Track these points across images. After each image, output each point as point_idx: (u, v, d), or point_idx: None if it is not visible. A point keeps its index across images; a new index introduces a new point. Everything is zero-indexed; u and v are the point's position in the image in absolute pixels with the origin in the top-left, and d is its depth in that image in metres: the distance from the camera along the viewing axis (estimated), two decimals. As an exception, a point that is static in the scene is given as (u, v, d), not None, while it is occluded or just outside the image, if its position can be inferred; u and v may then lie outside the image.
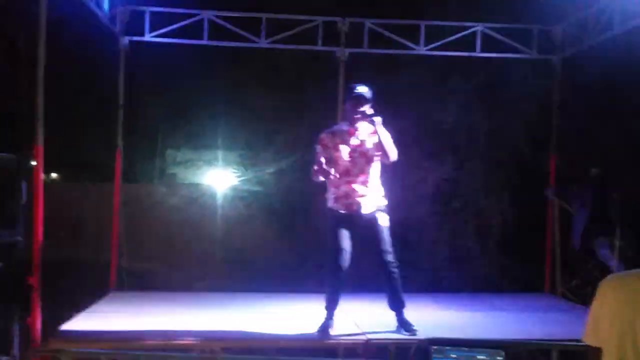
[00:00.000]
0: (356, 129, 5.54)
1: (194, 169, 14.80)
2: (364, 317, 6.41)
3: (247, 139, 11.69)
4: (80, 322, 5.98)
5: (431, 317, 6.54)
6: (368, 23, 8.31)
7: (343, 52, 8.26)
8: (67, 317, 6.07)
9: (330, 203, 5.66)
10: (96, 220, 9.55)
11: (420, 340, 5.33)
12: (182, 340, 5.45)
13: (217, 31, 8.20)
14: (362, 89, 5.52)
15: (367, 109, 5.44)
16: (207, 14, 8.13)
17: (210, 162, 14.43)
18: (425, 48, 8.36)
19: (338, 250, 5.55)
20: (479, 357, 4.11)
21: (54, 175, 12.76)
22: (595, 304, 2.32)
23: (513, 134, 9.91)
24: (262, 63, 10.10)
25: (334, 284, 5.70)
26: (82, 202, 10.13)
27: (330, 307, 5.73)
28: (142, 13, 8.07)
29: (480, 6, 8.95)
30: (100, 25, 7.52)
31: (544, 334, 5.77)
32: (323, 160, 5.41)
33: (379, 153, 5.49)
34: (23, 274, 5.60)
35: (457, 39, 8.38)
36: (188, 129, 13.56)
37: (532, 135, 9.72)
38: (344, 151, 5.50)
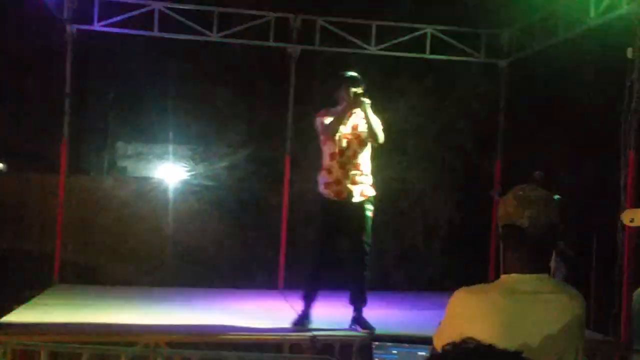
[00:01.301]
0: (351, 114, 5.58)
1: (144, 162, 14.61)
2: (313, 313, 6.45)
3: (199, 133, 11.60)
4: (21, 315, 5.88)
5: (378, 315, 6.61)
6: (320, 21, 8.35)
7: (294, 49, 8.28)
8: (9, 309, 5.95)
9: (321, 189, 5.66)
10: (40, 212, 9.36)
11: (362, 337, 5.39)
12: (126, 334, 5.41)
13: (168, 23, 8.13)
14: (353, 73, 5.57)
15: (359, 90, 5.48)
16: (157, 5, 8.04)
17: (161, 156, 14.28)
18: (376, 48, 8.44)
19: (323, 240, 5.61)
20: (419, 353, 4.17)
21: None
22: (446, 312, 2.29)
23: (461, 135, 10.10)
24: (214, 57, 10.05)
25: (314, 274, 5.72)
26: (26, 193, 9.90)
27: (308, 297, 5.72)
28: (91, 1, 7.93)
29: (430, 9, 9.08)
30: (47, 12, 7.38)
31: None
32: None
33: (370, 138, 5.54)
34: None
35: (407, 40, 8.49)
36: (139, 121, 13.38)
37: (479, 137, 9.91)
38: (339, 135, 5.53)
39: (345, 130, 5.58)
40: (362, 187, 5.61)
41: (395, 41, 8.44)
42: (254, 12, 8.31)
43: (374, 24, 8.38)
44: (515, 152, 9.02)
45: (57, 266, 7.72)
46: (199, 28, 8.14)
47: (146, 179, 12.49)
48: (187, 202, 11.05)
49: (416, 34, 8.48)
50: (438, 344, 2.29)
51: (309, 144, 9.83)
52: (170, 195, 11.38)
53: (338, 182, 5.57)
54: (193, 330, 5.73)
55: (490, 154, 8.94)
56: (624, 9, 6.22)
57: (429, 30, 8.47)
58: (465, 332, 2.11)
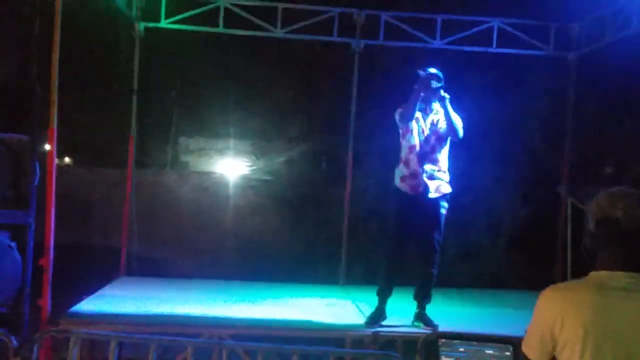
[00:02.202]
0: (431, 109, 5.54)
1: (206, 157, 14.82)
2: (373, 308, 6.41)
3: (260, 128, 11.68)
4: (89, 305, 6.02)
5: (440, 312, 6.53)
6: (384, 15, 8.27)
7: (359, 44, 8.23)
8: (77, 300, 6.11)
9: (397, 182, 5.62)
10: (107, 205, 9.59)
11: (428, 334, 5.32)
12: (191, 325, 5.49)
13: (233, 19, 8.19)
14: (434, 70, 5.52)
15: (435, 86, 5.43)
16: (223, 2, 8.12)
17: (222, 151, 14.45)
18: (441, 42, 8.32)
19: (398, 235, 5.56)
20: (487, 351, 4.08)
21: (66, 159, 12.81)
22: (534, 313, 2.30)
23: (527, 130, 9.85)
24: (277, 53, 10.08)
25: (389, 268, 5.68)
26: (94, 187, 10.16)
27: (383, 293, 5.69)
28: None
29: (497, 1, 8.89)
30: (116, 10, 7.54)
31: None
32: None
33: (450, 133, 5.50)
34: (35, 255, 5.65)
35: (473, 33, 8.33)
36: (201, 117, 13.57)
37: (547, 132, 9.66)
38: (417, 129, 5.51)
39: (424, 125, 5.53)
40: (439, 183, 5.54)
41: (461, 35, 8.30)
42: (318, 7, 8.29)
43: (439, 18, 8.26)
44: (585, 147, 8.77)
45: (123, 258, 7.89)
46: (263, 24, 8.18)
47: (208, 174, 12.67)
48: (248, 197, 11.14)
49: (482, 27, 8.32)
50: (529, 352, 2.30)
51: (371, 140, 9.79)
52: (231, 189, 11.51)
53: (415, 175, 5.51)
54: (256, 324, 5.76)
55: (558, 150, 8.71)
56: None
57: (495, 23, 8.29)
58: (556, 332, 2.18)
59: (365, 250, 8.66)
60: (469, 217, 9.68)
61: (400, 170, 5.60)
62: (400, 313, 5.91)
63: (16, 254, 5.64)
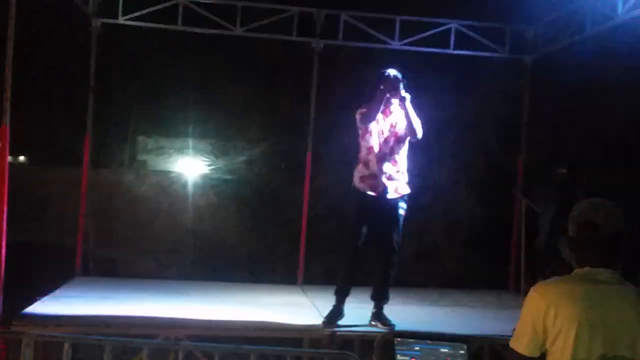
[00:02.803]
0: (390, 111, 5.57)
1: (164, 156, 14.68)
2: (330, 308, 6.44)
3: (219, 127, 11.63)
4: (43, 306, 5.91)
5: (396, 311, 6.58)
6: (344, 15, 8.30)
7: (318, 43, 8.23)
8: (31, 300, 5.99)
9: (356, 182, 5.63)
10: (62, 204, 9.42)
11: (384, 333, 5.35)
12: (147, 326, 5.43)
13: (191, 17, 8.13)
14: (393, 71, 5.54)
15: (400, 88, 5.46)
16: (182, -1, 8.05)
17: (181, 150, 14.34)
18: (399, 43, 8.38)
19: (356, 235, 5.56)
20: (442, 350, 4.12)
21: (21, 158, 12.57)
22: (523, 308, 2.45)
23: (484, 131, 10.01)
24: (237, 51, 10.04)
25: (347, 268, 5.68)
26: (48, 186, 9.99)
27: (341, 292, 5.70)
28: (116, -5, 7.96)
29: (455, 3, 9.00)
30: (72, 6, 7.41)
31: (506, 330, 5.83)
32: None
33: (409, 134, 5.53)
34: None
35: (431, 35, 8.42)
36: (160, 115, 13.44)
37: (502, 133, 9.82)
38: (377, 130, 5.53)
39: (383, 126, 5.56)
40: (398, 184, 5.58)
41: (419, 36, 8.38)
42: (277, 6, 8.27)
43: (398, 19, 8.32)
44: (539, 149, 8.93)
45: (78, 259, 7.77)
46: (222, 22, 8.13)
47: (166, 173, 12.56)
48: (207, 196, 11.09)
49: (440, 29, 8.42)
50: (519, 347, 2.43)
51: (330, 140, 9.83)
52: (190, 189, 11.44)
53: (374, 176, 5.54)
54: (213, 324, 5.73)
55: (514, 151, 8.86)
56: (653, 4, 6.12)
57: (453, 25, 8.39)
58: (549, 323, 2.34)
59: (324, 250, 8.69)
60: (426, 217, 9.80)
61: (359, 171, 5.62)
62: (358, 313, 5.94)
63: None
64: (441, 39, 8.44)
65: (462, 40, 8.46)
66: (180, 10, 8.02)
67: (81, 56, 8.21)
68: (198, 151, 13.01)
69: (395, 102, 5.54)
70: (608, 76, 8.79)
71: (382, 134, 5.54)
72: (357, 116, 5.59)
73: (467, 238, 9.83)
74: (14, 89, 5.48)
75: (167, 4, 8.04)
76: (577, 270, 2.45)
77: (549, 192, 8.09)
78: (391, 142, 5.55)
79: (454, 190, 9.95)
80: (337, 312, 5.70)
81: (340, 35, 8.31)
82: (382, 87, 5.46)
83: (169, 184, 11.59)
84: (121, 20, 8.03)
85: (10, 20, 5.45)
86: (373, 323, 5.70)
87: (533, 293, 2.44)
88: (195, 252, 9.84)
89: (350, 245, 5.62)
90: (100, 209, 8.59)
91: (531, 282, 8.31)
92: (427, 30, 8.40)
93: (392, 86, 5.44)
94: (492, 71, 9.66)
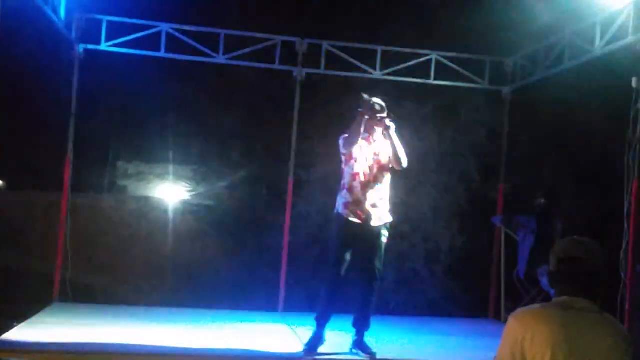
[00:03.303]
0: (374, 139, 5.63)
1: (145, 182, 14.60)
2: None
3: (200, 153, 11.61)
4: (21, 333, 5.83)
5: (377, 339, 6.59)
6: (326, 45, 8.41)
7: (300, 72, 8.32)
8: (8, 327, 5.91)
9: (340, 209, 5.65)
10: (41, 230, 9.34)
11: (366, 360, 5.36)
12: (126, 355, 5.38)
13: (174, 44, 8.18)
14: (377, 100, 5.63)
15: (384, 116, 5.53)
16: (165, 27, 8.11)
17: (161, 176, 14.26)
18: (381, 72, 8.50)
19: (338, 261, 5.57)
20: (423, 378, 4.15)
21: (-1, 182, 12.45)
22: (503, 336, 2.51)
23: (463, 161, 10.12)
24: (219, 79, 10.09)
25: (329, 294, 5.67)
26: (27, 211, 9.89)
27: (322, 319, 5.69)
28: (99, 22, 7.99)
29: (435, 35, 9.15)
30: (55, 31, 7.43)
31: (486, 358, 5.85)
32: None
33: (392, 163, 5.60)
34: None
35: (412, 65, 8.55)
36: (140, 141, 13.38)
37: (482, 163, 9.93)
38: (362, 156, 5.58)
39: (366, 154, 5.61)
40: (381, 212, 5.62)
41: (400, 66, 8.50)
42: (260, 35, 8.36)
43: (380, 49, 8.45)
44: (518, 178, 9.05)
45: (57, 284, 7.68)
46: (205, 50, 8.19)
47: (147, 199, 12.48)
48: (187, 222, 11.04)
49: (421, 59, 8.55)
50: None
51: (311, 167, 9.87)
52: (171, 215, 11.37)
53: (358, 203, 5.57)
54: (193, 352, 5.69)
55: (493, 181, 8.97)
56: (629, 39, 6.27)
57: (433, 56, 8.53)
58: (526, 347, 2.40)
59: (305, 277, 8.68)
60: (407, 245, 9.84)
61: (344, 197, 5.65)
62: (339, 340, 5.93)
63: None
64: (422, 70, 8.58)
65: (443, 71, 8.60)
66: (164, 37, 8.08)
67: (63, 81, 8.20)
68: (179, 177, 12.96)
69: (378, 130, 5.61)
70: (585, 108, 8.95)
71: (367, 161, 5.60)
72: (340, 141, 5.65)
73: (448, 266, 9.88)
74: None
75: (150, 32, 8.10)
76: (555, 299, 2.53)
77: (528, 221, 8.21)
78: (375, 170, 5.60)
79: (435, 219, 10.01)
80: (317, 339, 5.69)
81: (323, 65, 8.40)
82: (360, 109, 5.53)
83: (149, 210, 11.52)
84: (104, 46, 8.05)
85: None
86: (354, 351, 5.70)
87: (511, 320, 2.51)
88: (176, 279, 9.76)
89: (333, 271, 5.63)
90: (80, 235, 8.49)
91: (511, 310, 8.41)
92: (408, 61, 8.53)
93: (372, 110, 5.52)
94: (471, 102, 9.81)
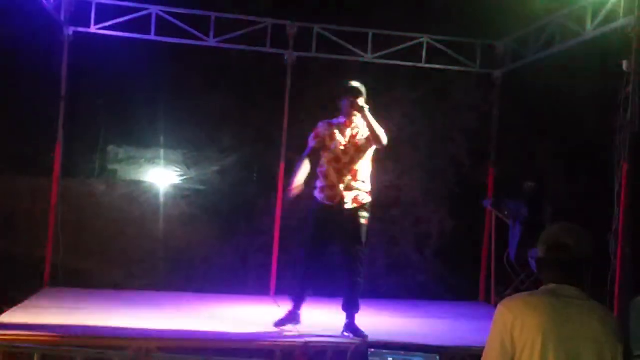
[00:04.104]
0: (352, 122, 5.68)
1: (135, 166, 14.53)
2: (306, 319, 6.46)
3: (191, 137, 11.56)
4: (12, 317, 5.83)
5: (369, 322, 6.62)
6: (317, 28, 8.37)
7: (291, 55, 8.29)
8: (-1, 311, 5.91)
9: (316, 193, 5.74)
10: (31, 215, 9.29)
11: (357, 344, 5.39)
12: (118, 338, 5.39)
13: (164, 27, 8.13)
14: (355, 83, 5.66)
15: (360, 100, 5.56)
16: (155, 9, 8.05)
17: (152, 160, 14.19)
18: (372, 56, 8.47)
19: (312, 244, 5.66)
20: (414, 360, 4.17)
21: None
22: (492, 324, 2.53)
23: (454, 144, 10.12)
24: (210, 62, 10.03)
25: (301, 275, 5.78)
26: (17, 195, 9.83)
27: (297, 300, 5.79)
28: (89, 4, 7.93)
29: (427, 18, 9.12)
30: (44, 13, 7.36)
31: (477, 341, 5.91)
32: (313, 147, 5.69)
33: (373, 143, 5.61)
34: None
35: (403, 48, 8.53)
36: (130, 125, 13.29)
37: (472, 146, 9.95)
38: (338, 140, 5.64)
39: (342, 138, 5.66)
40: (357, 194, 5.65)
41: (392, 50, 8.47)
42: (251, 18, 8.32)
43: (371, 32, 8.42)
44: (508, 162, 9.07)
45: (47, 269, 7.67)
46: (195, 32, 8.14)
47: (137, 183, 12.44)
48: (179, 207, 11.00)
49: (412, 43, 8.53)
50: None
51: (302, 150, 9.85)
52: (162, 199, 11.34)
53: (332, 186, 5.64)
54: (184, 336, 5.70)
55: (483, 164, 8.98)
56: (620, 21, 6.27)
57: (424, 39, 8.51)
58: (516, 335, 2.41)
59: (295, 261, 8.68)
60: (397, 228, 9.87)
61: (319, 181, 5.75)
62: (330, 324, 5.97)
63: None
64: (413, 53, 8.56)
65: (434, 54, 8.59)
66: (154, 20, 8.02)
67: (52, 64, 8.14)
68: (170, 161, 12.91)
69: (354, 112, 5.63)
70: (575, 91, 8.96)
71: (342, 145, 5.63)
72: (310, 138, 5.74)
73: (438, 249, 9.91)
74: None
75: (140, 14, 8.03)
76: (544, 287, 2.55)
77: (518, 204, 8.25)
78: (351, 152, 5.65)
79: (425, 202, 10.03)
80: (291, 316, 5.80)
81: (314, 48, 8.37)
82: (343, 98, 5.61)
83: (139, 194, 11.48)
84: (93, 29, 7.99)
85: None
86: (346, 334, 5.74)
87: (500, 307, 2.52)
88: (167, 263, 9.75)
89: (306, 253, 5.72)
90: (70, 219, 8.47)
91: (502, 293, 8.46)
92: (399, 44, 8.50)
93: (346, 93, 5.61)
94: (462, 85, 9.80)
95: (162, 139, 12.51)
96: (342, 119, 5.75)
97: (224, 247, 9.91)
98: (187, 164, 12.35)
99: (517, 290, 8.22)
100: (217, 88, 10.74)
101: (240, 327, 6.06)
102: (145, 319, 6.17)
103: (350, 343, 5.46)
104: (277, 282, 8.16)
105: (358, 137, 5.68)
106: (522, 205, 8.19)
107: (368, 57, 8.46)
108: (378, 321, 6.72)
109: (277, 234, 8.26)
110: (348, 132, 5.68)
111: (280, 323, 5.79)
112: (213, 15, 8.14)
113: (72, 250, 8.14)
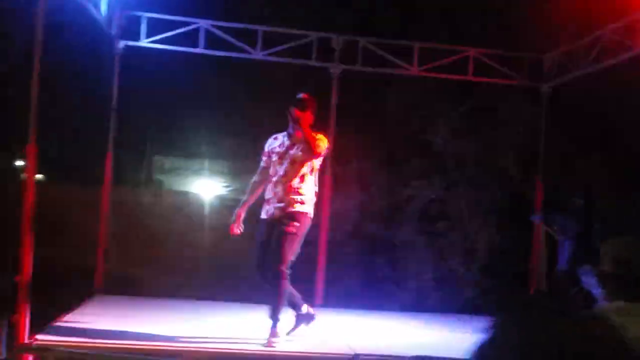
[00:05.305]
0: (295, 134, 5.74)
1: (181, 177, 14.78)
2: (351, 331, 6.48)
3: (236, 148, 11.71)
4: (66, 323, 5.96)
5: (414, 336, 6.60)
6: (362, 41, 8.40)
7: (337, 68, 8.33)
8: (52, 317, 6.04)
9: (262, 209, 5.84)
10: (81, 223, 9.49)
11: (408, 358, 5.37)
12: (167, 346, 5.46)
13: (212, 40, 8.26)
14: (301, 95, 5.79)
15: (296, 111, 5.63)
16: (204, 23, 8.18)
17: (197, 171, 14.42)
18: (418, 69, 8.46)
19: (258, 258, 5.73)
20: (466, 375, 4.13)
21: (39, 176, 12.67)
22: None
23: (502, 158, 10.03)
24: (256, 75, 10.16)
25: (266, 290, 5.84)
26: (68, 204, 10.07)
27: (274, 315, 5.80)
28: (139, 18, 8.09)
29: (473, 31, 9.10)
30: (97, 28, 7.54)
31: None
32: (262, 167, 5.81)
33: (308, 157, 5.65)
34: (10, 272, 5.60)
35: (449, 62, 8.51)
36: (176, 136, 13.54)
37: (521, 161, 9.85)
38: (276, 154, 5.73)
39: (282, 152, 5.73)
40: (288, 203, 5.65)
41: (437, 63, 8.46)
42: (297, 31, 8.39)
43: (416, 46, 8.41)
44: (557, 177, 8.95)
45: (99, 276, 7.81)
46: (242, 46, 8.25)
47: (183, 193, 12.62)
48: (223, 217, 11.11)
49: (458, 56, 8.50)
50: None
51: (348, 163, 9.89)
52: (207, 209, 11.50)
53: (268, 201, 5.74)
54: (233, 346, 5.74)
55: (532, 178, 8.88)
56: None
57: (471, 52, 8.47)
58: None
59: (341, 274, 8.71)
60: (444, 242, 9.81)
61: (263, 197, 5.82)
62: (375, 338, 5.92)
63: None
64: (460, 66, 8.53)
65: (480, 68, 8.54)
66: (202, 33, 8.15)
67: (103, 77, 8.33)
68: (214, 172, 13.09)
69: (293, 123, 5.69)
70: (626, 106, 8.82)
71: (280, 158, 5.72)
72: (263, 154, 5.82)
73: (485, 264, 9.81)
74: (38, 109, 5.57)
75: (188, 28, 8.18)
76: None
77: (568, 220, 8.12)
78: (285, 166, 5.68)
79: (472, 216, 9.95)
80: (299, 319, 5.96)
81: (359, 61, 8.40)
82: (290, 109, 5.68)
83: (185, 205, 11.67)
84: (144, 42, 8.15)
85: (37, 41, 5.57)
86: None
87: None
88: (213, 273, 9.86)
89: (255, 268, 5.79)
90: (118, 228, 8.64)
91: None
92: (446, 58, 8.49)
93: (292, 107, 5.66)
94: (509, 99, 9.72)
95: (207, 150, 12.69)
96: (290, 131, 5.80)
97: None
98: (230, 174, 12.49)
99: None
100: (262, 100, 10.86)
101: (289, 338, 6.07)
102: (193, 328, 6.23)
103: (401, 356, 5.44)
104: (324, 293, 8.17)
105: (293, 151, 5.71)
106: (572, 221, 8.06)
107: (414, 70, 8.46)
108: (423, 335, 6.68)
109: (324, 245, 8.27)
110: (287, 144, 5.74)
111: (292, 330, 5.85)
112: (260, 29, 8.24)
113: (121, 258, 8.29)
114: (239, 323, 6.73)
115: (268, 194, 5.73)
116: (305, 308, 5.97)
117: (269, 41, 8.36)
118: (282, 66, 9.21)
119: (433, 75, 8.61)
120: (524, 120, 9.66)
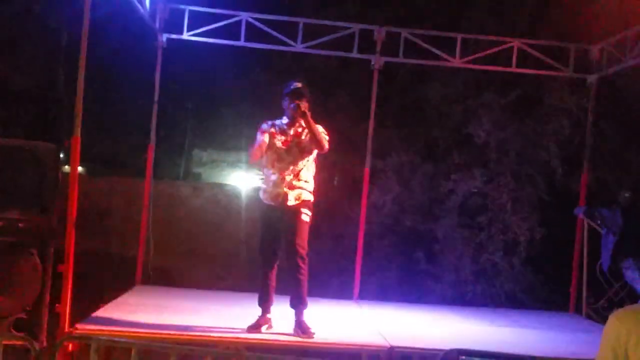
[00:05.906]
0: (294, 123, 5.69)
1: (218, 169, 14.89)
2: (387, 324, 6.42)
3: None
4: (108, 312, 6.04)
5: (455, 330, 6.53)
6: (404, 33, 8.31)
7: (378, 60, 8.26)
8: (94, 307, 6.12)
9: (261, 195, 5.80)
10: (123, 214, 9.62)
11: (447, 351, 5.29)
12: (205, 335, 5.50)
13: (253, 33, 8.26)
14: (298, 84, 5.69)
15: (301, 102, 5.55)
16: (245, 16, 8.18)
17: (234, 164, 14.50)
18: (460, 60, 8.34)
19: (265, 246, 5.73)
20: (508, 370, 4.06)
21: (81, 168, 12.88)
22: (603, 336, 2.38)
23: (546, 151, 9.83)
24: (296, 67, 10.14)
25: (262, 279, 5.84)
26: (110, 195, 10.20)
27: (261, 304, 5.84)
28: (182, 11, 8.13)
29: (517, 22, 8.93)
30: (141, 21, 7.61)
31: (570, 353, 5.72)
32: (263, 141, 5.63)
33: (315, 148, 5.63)
34: (54, 262, 5.69)
35: (493, 53, 8.37)
36: (214, 129, 13.62)
37: (565, 153, 9.65)
38: (280, 140, 5.65)
39: (288, 137, 5.67)
40: (299, 192, 5.64)
41: (481, 54, 8.33)
42: (338, 23, 8.34)
43: (459, 37, 8.29)
44: (602, 170, 8.75)
45: (139, 267, 7.90)
46: (284, 38, 8.23)
47: (220, 186, 12.69)
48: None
49: (502, 47, 8.35)
50: None
51: (387, 156, 9.81)
52: (244, 201, 11.54)
53: (275, 186, 5.65)
54: (271, 337, 5.75)
55: (576, 171, 8.70)
56: None
57: (515, 43, 8.32)
58: (630, 348, 2.26)
59: (379, 267, 8.66)
60: (485, 235, 9.67)
61: (264, 183, 5.78)
62: (411, 330, 5.89)
63: (37, 260, 5.68)
64: (503, 58, 8.38)
65: (525, 59, 8.37)
66: (243, 26, 8.15)
67: (146, 70, 8.40)
68: (251, 165, 13.07)
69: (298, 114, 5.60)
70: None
71: (286, 144, 5.63)
72: (257, 137, 5.67)
73: (527, 258, 9.65)
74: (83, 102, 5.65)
75: (230, 21, 8.19)
76: None
77: (613, 213, 7.93)
78: (294, 153, 5.63)
79: (514, 209, 9.79)
80: (258, 321, 5.79)
81: (401, 53, 8.31)
82: (284, 100, 5.64)
83: (223, 197, 11.72)
84: (186, 35, 8.19)
85: (84, 37, 5.63)
86: (295, 330, 5.75)
87: (613, 319, 2.37)
88: (249, 264, 9.89)
89: (262, 256, 5.78)
90: (159, 220, 8.72)
91: (593, 305, 8.17)
92: (489, 48, 8.35)
93: (292, 100, 5.57)
94: (554, 90, 9.53)
95: (244, 142, 12.72)
96: (284, 120, 5.74)
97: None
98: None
99: (610, 302, 7.92)
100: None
101: (323, 330, 6.05)
102: (232, 318, 6.25)
103: (437, 350, 5.38)
104: (361, 286, 8.13)
105: (302, 137, 5.67)
106: (618, 215, 7.87)
107: (457, 61, 8.34)
108: (464, 329, 6.61)
109: (361, 239, 8.22)
110: (292, 131, 5.68)
111: (251, 328, 5.76)
112: (301, 21, 8.20)
113: (161, 250, 8.36)
114: (276, 313, 6.73)
115: (273, 180, 5.65)
116: (267, 319, 5.87)
117: (310, 33, 8.33)
118: (324, 58, 9.17)
119: (476, 67, 8.47)
120: (570, 112, 9.46)
